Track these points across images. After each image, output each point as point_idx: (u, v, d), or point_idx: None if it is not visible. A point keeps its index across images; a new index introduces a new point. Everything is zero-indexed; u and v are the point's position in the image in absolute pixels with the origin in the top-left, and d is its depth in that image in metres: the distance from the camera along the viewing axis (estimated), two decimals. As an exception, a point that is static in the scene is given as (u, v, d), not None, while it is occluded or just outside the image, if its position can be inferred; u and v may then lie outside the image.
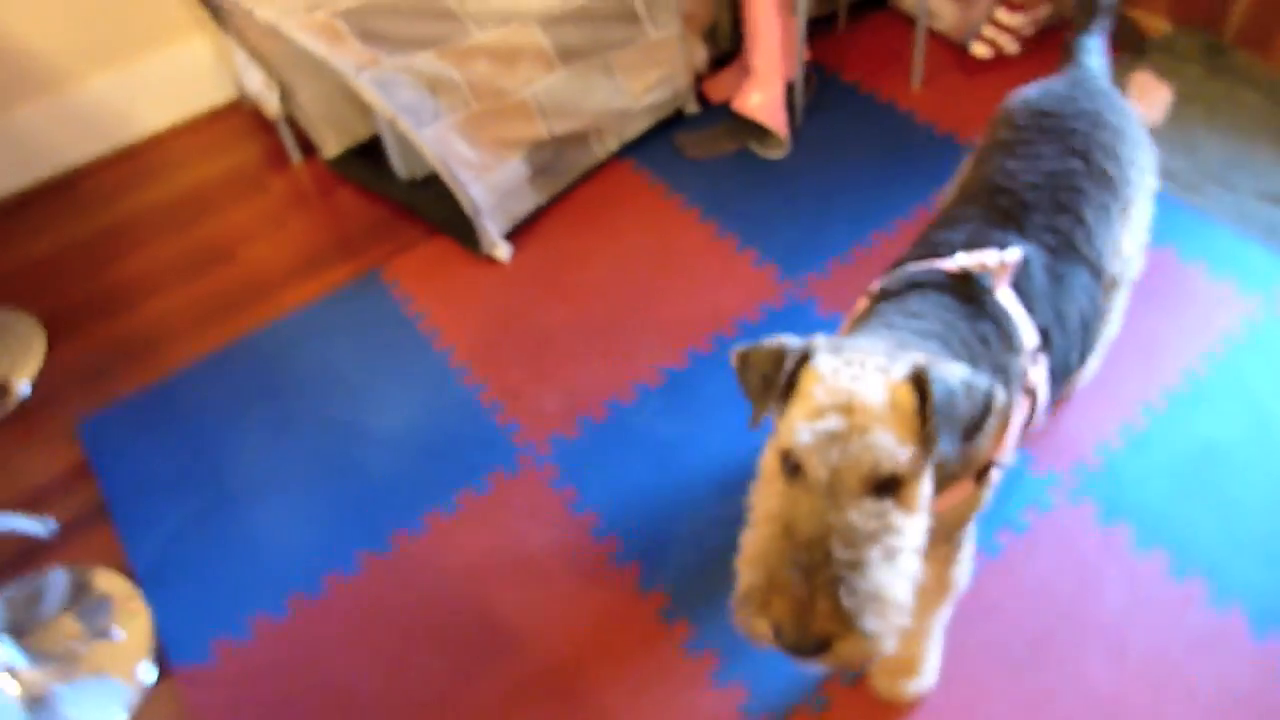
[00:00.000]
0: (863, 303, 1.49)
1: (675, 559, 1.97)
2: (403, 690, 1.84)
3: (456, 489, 2.14)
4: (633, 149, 2.87)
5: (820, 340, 1.18)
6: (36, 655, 1.96)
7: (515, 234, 2.68)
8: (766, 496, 1.16)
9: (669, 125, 2.92)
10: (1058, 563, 1.87)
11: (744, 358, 1.22)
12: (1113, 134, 1.60)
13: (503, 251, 2.61)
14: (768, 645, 1.10)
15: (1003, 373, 1.36)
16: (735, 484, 2.08)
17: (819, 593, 1.05)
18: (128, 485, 2.24)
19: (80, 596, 2.07)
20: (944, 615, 1.62)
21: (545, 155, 2.66)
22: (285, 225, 2.87)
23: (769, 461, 1.18)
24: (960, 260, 1.40)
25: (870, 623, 1.06)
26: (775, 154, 2.79)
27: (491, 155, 2.54)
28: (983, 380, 1.16)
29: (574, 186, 2.80)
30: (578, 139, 2.73)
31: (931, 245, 1.50)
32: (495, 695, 1.82)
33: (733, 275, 2.50)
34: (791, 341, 1.18)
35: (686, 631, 1.86)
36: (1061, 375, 1.50)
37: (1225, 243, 2.41)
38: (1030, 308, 1.42)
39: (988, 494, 1.43)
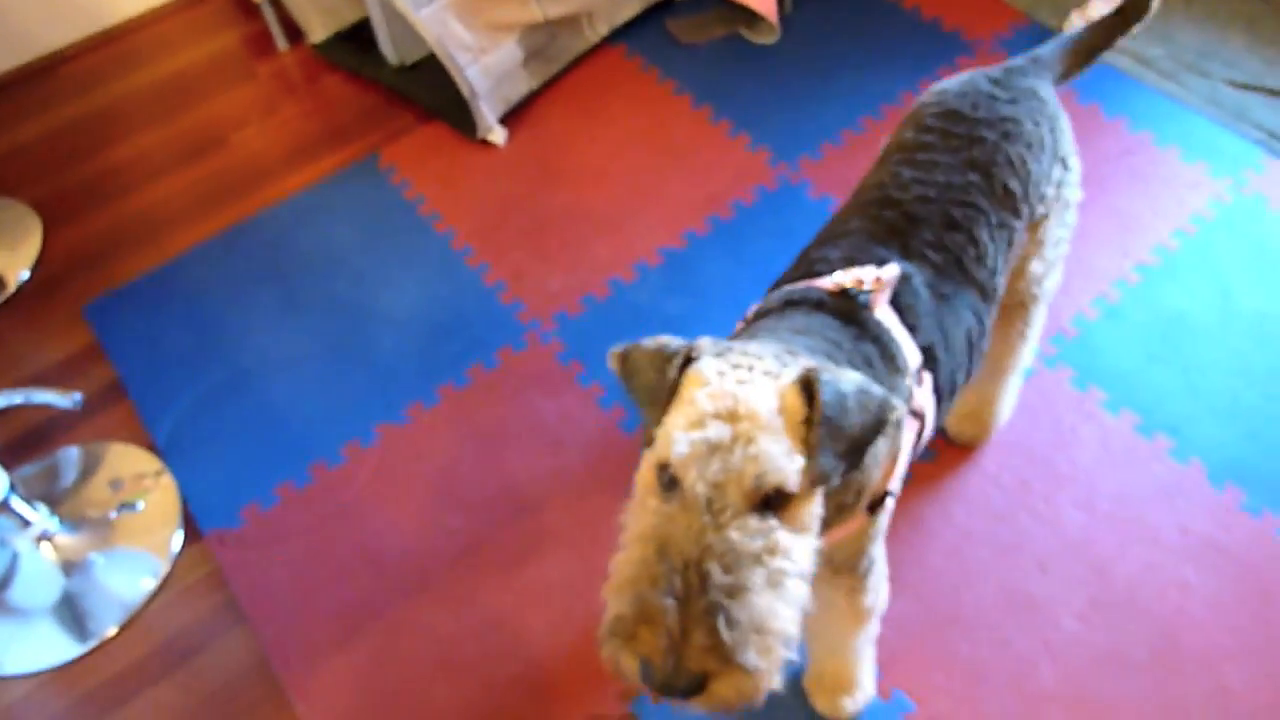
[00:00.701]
0: (739, 326, 1.40)
1: (679, 426, 2.08)
2: (426, 546, 1.96)
3: (467, 364, 2.22)
4: (624, 35, 2.88)
5: (705, 342, 1.09)
6: (70, 524, 2.04)
7: (509, 119, 2.71)
8: (640, 515, 1.04)
9: (659, 11, 2.93)
10: (1035, 423, 2.02)
11: (623, 359, 1.11)
12: (1025, 146, 1.47)
13: (498, 136, 2.65)
14: (636, 685, 0.99)
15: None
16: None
17: (694, 623, 0.94)
18: (141, 364, 2.30)
19: (99, 470, 2.15)
20: (870, 636, 1.58)
21: (539, 39, 2.67)
22: (276, 112, 2.86)
23: (644, 476, 1.07)
24: (837, 278, 1.31)
25: (751, 658, 0.95)
26: (766, 40, 2.82)
27: (487, 38, 2.55)
28: (877, 390, 1.06)
29: (566, 72, 2.82)
30: (570, 23, 2.74)
31: (809, 263, 1.41)
32: (515, 549, 1.94)
33: (726, 158, 2.56)
34: (673, 342, 1.08)
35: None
36: (948, 393, 1.42)
37: (1199, 128, 2.51)
38: (914, 325, 1.33)
39: (883, 522, 1.37)
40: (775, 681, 0.99)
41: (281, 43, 3.00)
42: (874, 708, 1.70)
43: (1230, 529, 1.87)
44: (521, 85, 2.70)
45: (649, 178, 2.55)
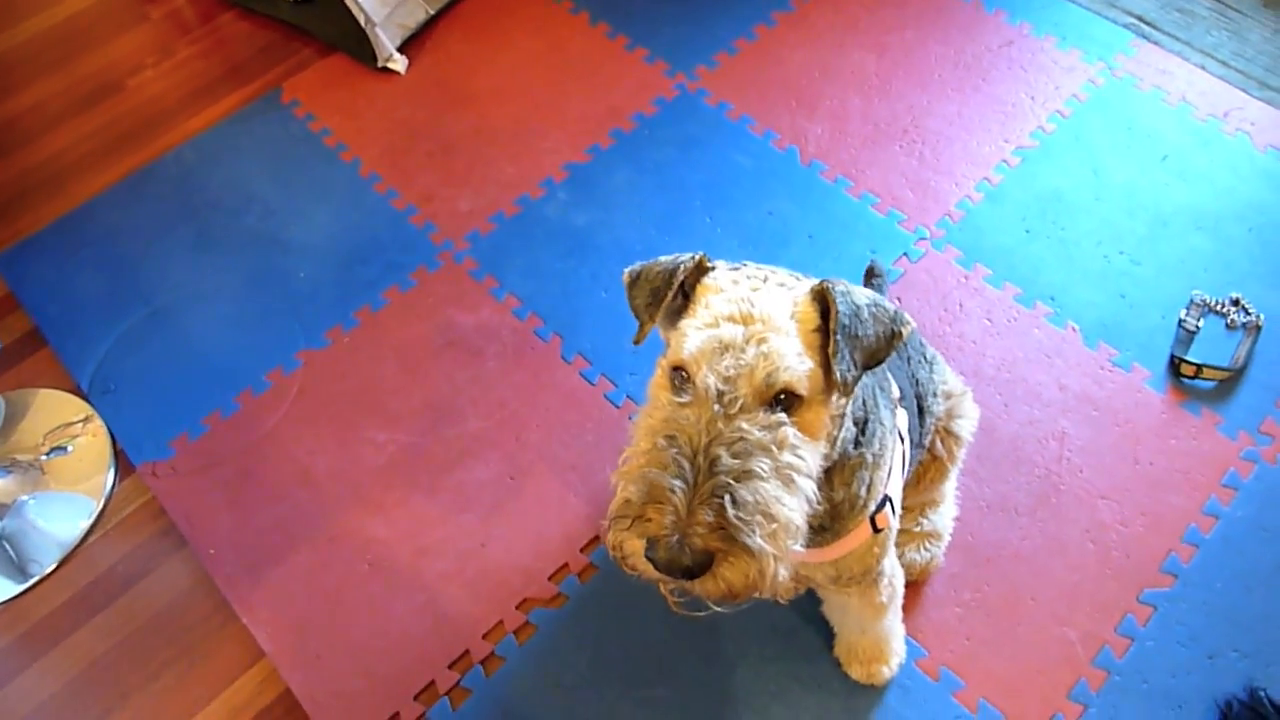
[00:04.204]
0: None
1: (592, 330, 2.17)
2: (355, 459, 2.04)
3: (383, 286, 2.28)
4: (518, -44, 2.89)
5: (720, 261, 1.13)
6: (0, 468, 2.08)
7: (409, 46, 2.72)
8: (651, 411, 1.06)
9: (552, -69, 2.95)
10: (926, 300, 2.15)
11: (636, 275, 1.14)
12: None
13: (399, 64, 2.66)
14: (642, 572, 0.99)
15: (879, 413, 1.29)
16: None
17: (701, 503, 0.95)
18: (57, 310, 2.31)
19: (26, 416, 2.17)
20: (896, 614, 1.60)
21: (432, -36, 2.68)
22: (172, 54, 2.83)
23: (657, 380, 1.09)
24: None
25: (757, 540, 0.95)
26: (658, -46, 2.85)
27: (378, -35, 2.55)
28: (889, 304, 1.09)
29: (463, -3, 2.83)
30: (463, -54, 2.74)
31: None
32: (442, 455, 2.03)
33: (625, 73, 2.62)
34: (686, 258, 1.12)
35: (610, 386, 2.09)
36: (914, 441, 1.46)
37: (1073, 16, 2.63)
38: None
39: (886, 543, 1.36)
40: (782, 571, 0.99)
41: (172, -17, 2.96)
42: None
43: (1103, 383, 2.02)
44: (418, 12, 2.71)
45: (551, 96, 2.59)
